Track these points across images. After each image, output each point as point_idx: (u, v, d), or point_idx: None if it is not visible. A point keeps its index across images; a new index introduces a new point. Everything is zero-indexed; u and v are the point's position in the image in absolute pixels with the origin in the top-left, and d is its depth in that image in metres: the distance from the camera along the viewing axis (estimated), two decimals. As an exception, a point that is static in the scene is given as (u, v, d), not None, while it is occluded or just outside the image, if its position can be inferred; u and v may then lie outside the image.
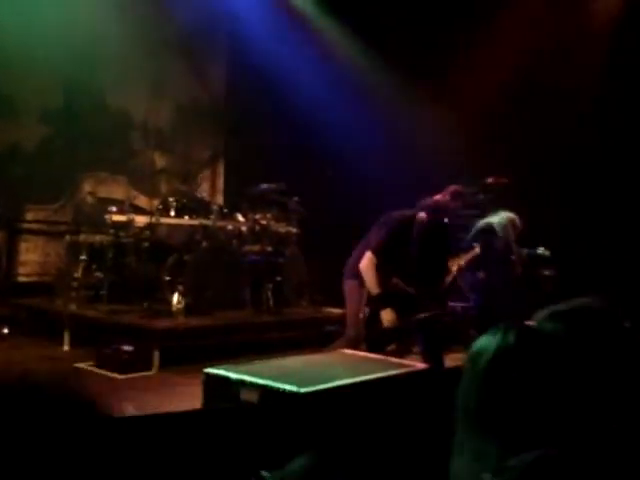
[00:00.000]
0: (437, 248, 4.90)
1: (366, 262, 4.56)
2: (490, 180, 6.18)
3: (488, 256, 6.01)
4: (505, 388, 1.33)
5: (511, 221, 5.89)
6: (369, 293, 4.60)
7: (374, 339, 4.52)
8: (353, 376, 3.24)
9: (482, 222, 6.07)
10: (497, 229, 5.91)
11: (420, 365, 3.68)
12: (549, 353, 1.39)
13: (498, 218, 5.94)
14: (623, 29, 6.92)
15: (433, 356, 4.49)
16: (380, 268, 4.58)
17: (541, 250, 6.86)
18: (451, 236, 5.61)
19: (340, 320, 5.36)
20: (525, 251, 6.43)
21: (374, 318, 4.54)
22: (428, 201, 4.80)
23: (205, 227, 6.82)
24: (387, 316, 4.48)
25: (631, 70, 6.83)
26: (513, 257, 5.74)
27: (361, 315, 4.64)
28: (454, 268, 5.90)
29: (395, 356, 4.29)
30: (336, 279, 5.00)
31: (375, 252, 4.56)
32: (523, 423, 1.32)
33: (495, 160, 6.77)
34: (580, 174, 6.96)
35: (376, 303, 4.54)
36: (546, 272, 6.77)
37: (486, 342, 1.40)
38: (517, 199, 6.23)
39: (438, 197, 5.08)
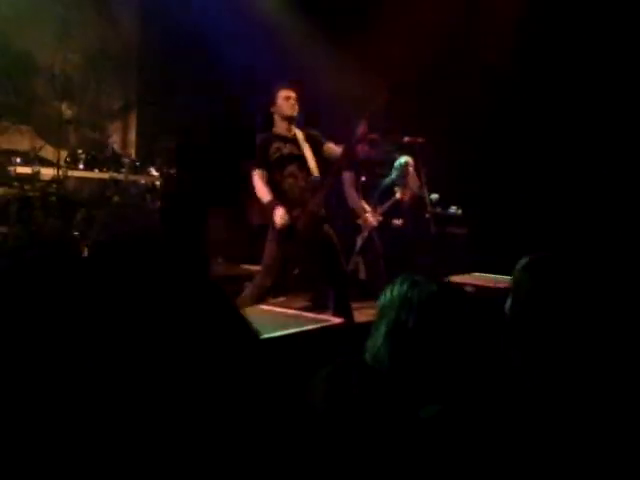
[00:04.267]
0: None
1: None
2: (406, 139, 6.21)
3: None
4: (427, 341, 1.32)
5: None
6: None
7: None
8: (269, 332, 3.23)
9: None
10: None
11: (335, 320, 3.71)
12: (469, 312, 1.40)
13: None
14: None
15: (344, 311, 4.52)
16: None
17: (453, 209, 7.05)
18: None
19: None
20: (438, 210, 6.58)
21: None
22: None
23: (116, 181, 6.58)
24: (279, 212, 4.52)
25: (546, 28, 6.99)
26: (427, 215, 5.85)
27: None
28: (374, 221, 6.02)
29: (311, 311, 4.32)
30: (253, 236, 4.94)
31: None
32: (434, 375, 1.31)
33: (411, 119, 6.81)
34: (495, 137, 7.11)
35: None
36: (457, 231, 6.96)
37: (399, 292, 1.38)
38: (432, 159, 6.31)
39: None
